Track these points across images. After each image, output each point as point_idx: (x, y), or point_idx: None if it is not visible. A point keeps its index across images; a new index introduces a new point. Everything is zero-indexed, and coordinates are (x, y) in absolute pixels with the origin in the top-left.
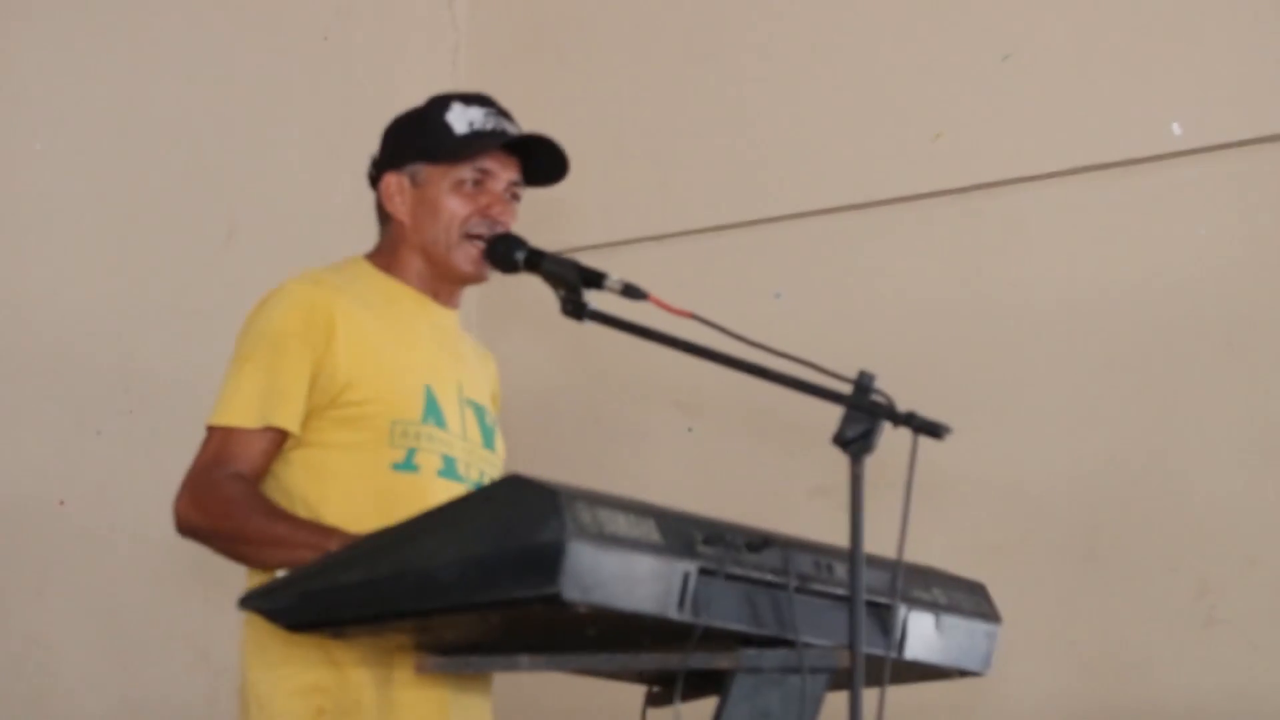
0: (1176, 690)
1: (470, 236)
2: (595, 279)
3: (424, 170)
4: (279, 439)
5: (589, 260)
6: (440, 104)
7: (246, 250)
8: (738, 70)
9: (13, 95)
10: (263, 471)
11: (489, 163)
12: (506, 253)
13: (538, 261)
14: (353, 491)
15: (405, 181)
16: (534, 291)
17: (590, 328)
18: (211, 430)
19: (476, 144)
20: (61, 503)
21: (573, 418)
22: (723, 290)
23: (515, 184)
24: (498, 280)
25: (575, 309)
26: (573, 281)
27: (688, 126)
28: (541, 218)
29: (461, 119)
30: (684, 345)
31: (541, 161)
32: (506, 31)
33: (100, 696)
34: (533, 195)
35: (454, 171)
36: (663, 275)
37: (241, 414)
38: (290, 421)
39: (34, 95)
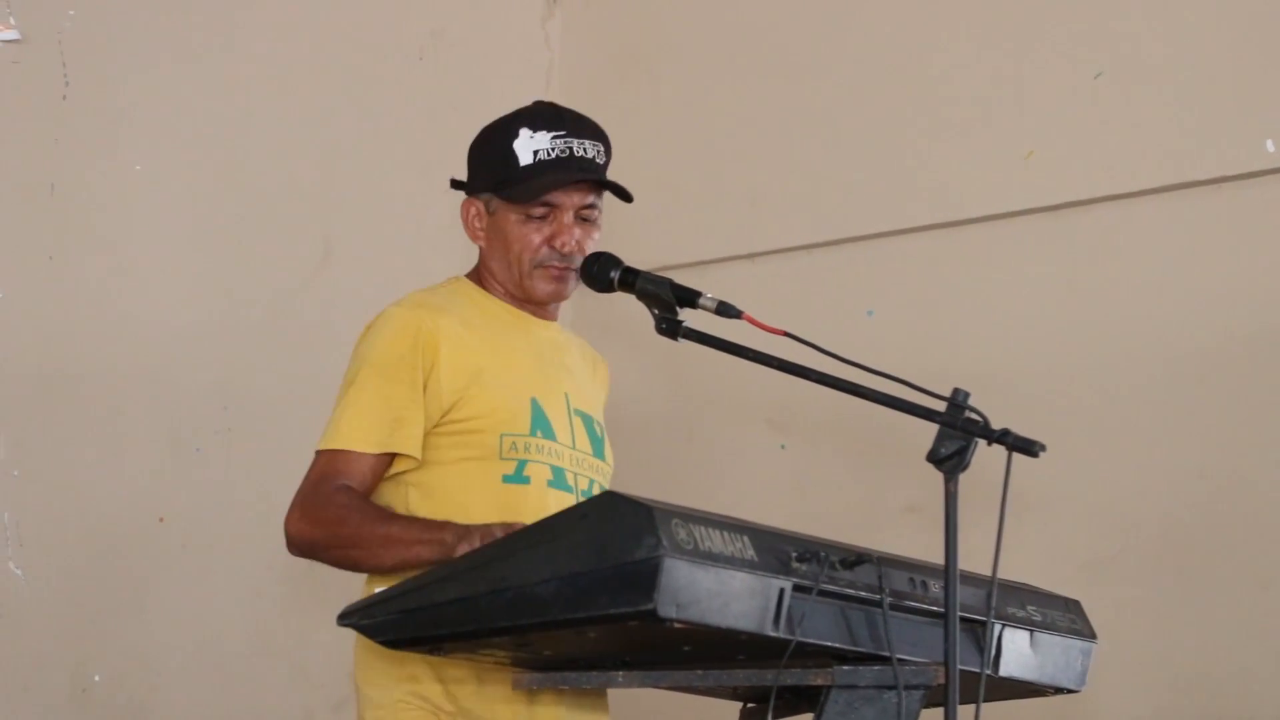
0: (1272, 707)
1: (540, 267)
2: (690, 297)
3: (494, 200)
4: (388, 463)
5: (680, 279)
6: (509, 129)
7: (343, 270)
8: (830, 88)
9: (113, 118)
10: (370, 489)
11: (555, 195)
12: (601, 272)
13: (632, 280)
14: (467, 506)
15: (481, 208)
16: (628, 310)
17: (683, 346)
18: (319, 454)
19: (540, 186)
20: (161, 519)
21: (666, 435)
22: (815, 308)
23: (586, 207)
24: (592, 299)
25: (670, 327)
26: (667, 300)
27: (780, 145)
28: (634, 236)
29: (527, 148)
30: (779, 363)
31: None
32: (599, 51)
33: (199, 711)
34: (625, 214)
35: (522, 205)
36: (755, 294)
37: (354, 438)
38: (409, 445)
39: (134, 118)
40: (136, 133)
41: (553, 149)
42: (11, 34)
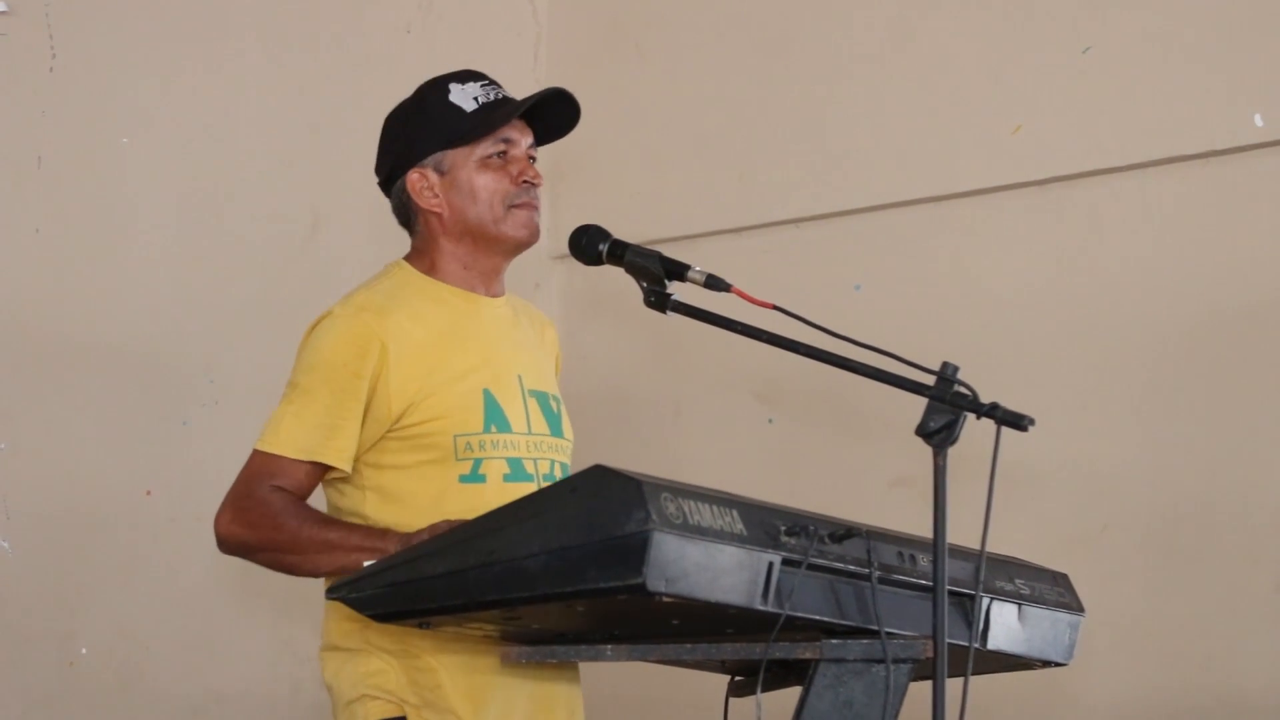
0: (1257, 682)
1: (514, 206)
2: (679, 270)
3: (447, 157)
4: (322, 472)
5: (668, 253)
6: (437, 89)
7: (330, 243)
8: (817, 62)
9: (100, 91)
10: (305, 494)
11: (510, 132)
12: (590, 244)
13: (621, 253)
14: (422, 510)
15: (430, 173)
16: (615, 283)
17: (671, 319)
18: (255, 453)
19: (495, 117)
20: (148, 492)
21: (654, 409)
22: (803, 283)
23: (532, 147)
24: (579, 272)
25: (659, 301)
26: (656, 273)
27: (768, 119)
28: (621, 210)
29: (465, 97)
30: (768, 337)
31: (549, 121)
32: (587, 25)
33: (185, 685)
34: (613, 188)
35: (477, 149)
36: (742, 268)
37: (288, 444)
38: (338, 458)
39: (121, 91)
40: (123, 105)
41: (489, 95)
42: None
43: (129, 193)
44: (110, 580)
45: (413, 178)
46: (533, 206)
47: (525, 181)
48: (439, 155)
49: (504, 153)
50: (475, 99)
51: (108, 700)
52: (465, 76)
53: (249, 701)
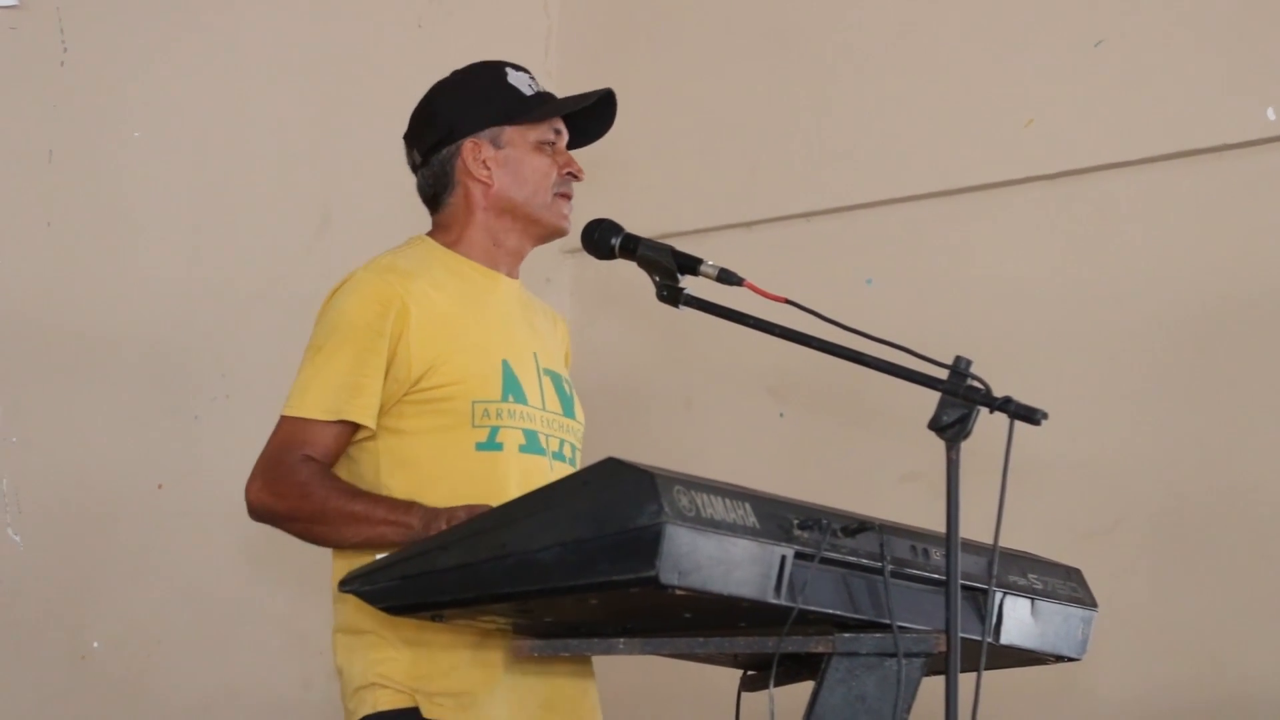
0: (1269, 677)
1: (558, 195)
2: (691, 264)
3: (505, 132)
4: (350, 431)
5: (679, 247)
6: (491, 69)
7: (340, 238)
8: (828, 56)
9: (112, 85)
10: (334, 458)
11: (560, 123)
12: (603, 238)
13: (634, 247)
14: (439, 476)
15: (486, 145)
16: (628, 277)
17: (682, 313)
18: (283, 419)
19: (558, 105)
20: (160, 486)
21: (665, 403)
22: (814, 277)
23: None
24: (591, 266)
25: (671, 295)
26: (669, 267)
27: (779, 113)
28: (632, 204)
29: (522, 82)
30: (780, 331)
31: (577, 125)
32: (598, 19)
33: (197, 679)
34: (624, 181)
35: (533, 132)
36: (753, 262)
37: (314, 406)
38: (364, 415)
39: (132, 85)
40: (135, 99)
41: (539, 86)
42: (9, 0)
43: (140, 187)
44: (121, 574)
45: (468, 145)
46: (570, 198)
47: (569, 173)
48: (497, 129)
49: (553, 142)
50: (530, 86)
51: (119, 694)
52: (515, 66)
53: (259, 695)
